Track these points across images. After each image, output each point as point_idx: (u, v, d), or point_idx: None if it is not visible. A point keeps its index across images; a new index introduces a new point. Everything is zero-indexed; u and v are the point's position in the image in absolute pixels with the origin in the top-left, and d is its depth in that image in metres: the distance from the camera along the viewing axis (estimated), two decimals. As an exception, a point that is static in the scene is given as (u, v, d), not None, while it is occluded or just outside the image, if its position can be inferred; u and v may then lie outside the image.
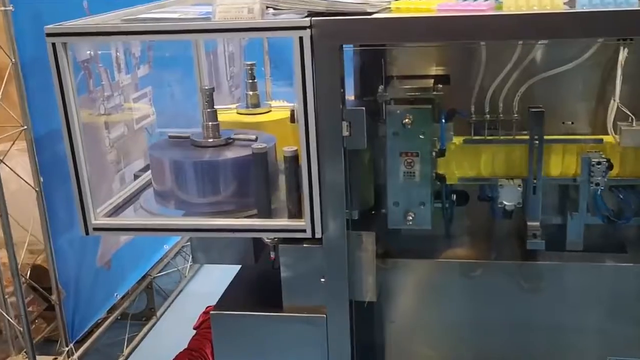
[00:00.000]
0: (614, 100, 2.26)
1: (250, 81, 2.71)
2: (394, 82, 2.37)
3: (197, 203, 2.29)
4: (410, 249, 2.48)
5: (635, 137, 2.24)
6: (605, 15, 1.90)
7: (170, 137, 2.41)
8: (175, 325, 4.12)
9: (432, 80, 2.35)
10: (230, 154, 2.30)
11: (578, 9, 1.92)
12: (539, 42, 2.30)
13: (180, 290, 4.59)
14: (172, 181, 2.30)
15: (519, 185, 2.32)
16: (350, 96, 2.41)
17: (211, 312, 2.38)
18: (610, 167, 2.26)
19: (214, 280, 3.07)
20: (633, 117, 2.26)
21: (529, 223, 2.33)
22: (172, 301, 4.45)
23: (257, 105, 2.70)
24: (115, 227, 2.36)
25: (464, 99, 2.37)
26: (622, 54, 2.23)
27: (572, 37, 2.09)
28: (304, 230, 2.17)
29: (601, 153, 2.27)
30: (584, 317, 2.40)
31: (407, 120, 2.18)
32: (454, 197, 2.41)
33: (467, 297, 2.46)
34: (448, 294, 2.47)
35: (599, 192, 2.30)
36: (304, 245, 2.26)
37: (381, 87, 2.32)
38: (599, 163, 2.24)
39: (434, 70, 2.45)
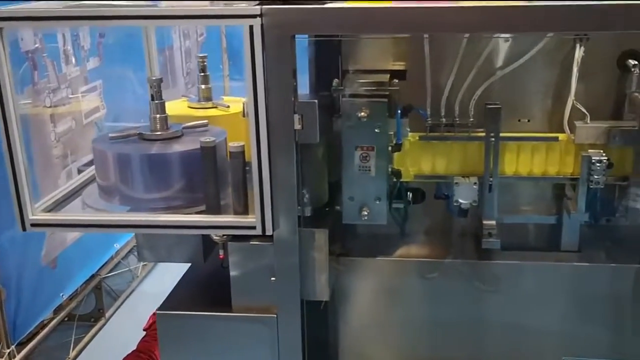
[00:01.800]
0: (570, 98, 2.25)
1: (202, 74, 2.63)
2: (349, 76, 2.32)
3: (144, 199, 2.21)
4: (365, 247, 2.44)
5: (589, 134, 2.23)
6: (564, 9, 1.86)
7: (111, 137, 2.28)
8: (125, 327, 4.02)
9: (388, 75, 2.31)
10: (178, 147, 2.22)
11: (536, 2, 1.88)
12: (499, 36, 2.26)
13: (132, 291, 4.48)
14: (116, 176, 2.21)
15: (475, 184, 2.30)
16: (305, 91, 2.35)
17: (157, 312, 2.29)
18: (610, 165, 2.20)
19: (168, 280, 3.00)
20: (588, 115, 2.25)
21: (484, 222, 2.32)
22: (123, 302, 4.34)
23: (209, 99, 2.62)
24: (55, 223, 2.26)
25: (420, 94, 2.32)
26: (579, 52, 2.22)
27: (529, 31, 2.06)
28: (254, 227, 2.10)
29: (601, 151, 2.21)
30: (542, 317, 2.37)
31: (362, 113, 2.13)
32: (410, 195, 2.37)
33: (423, 296, 2.42)
34: (404, 293, 2.43)
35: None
36: (254, 242, 2.19)
37: (336, 81, 2.27)
38: (599, 161, 2.19)
39: (391, 65, 2.40)
